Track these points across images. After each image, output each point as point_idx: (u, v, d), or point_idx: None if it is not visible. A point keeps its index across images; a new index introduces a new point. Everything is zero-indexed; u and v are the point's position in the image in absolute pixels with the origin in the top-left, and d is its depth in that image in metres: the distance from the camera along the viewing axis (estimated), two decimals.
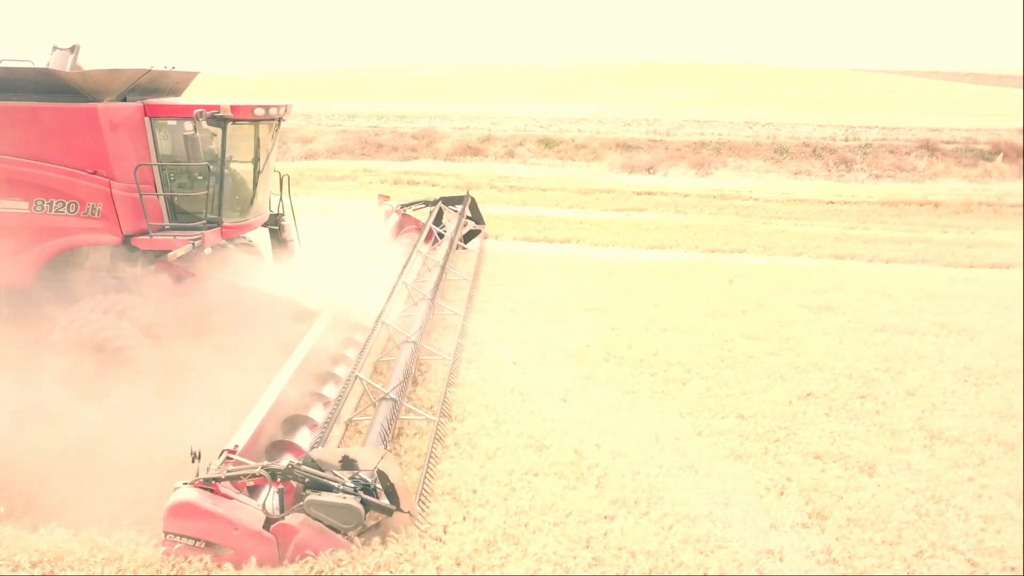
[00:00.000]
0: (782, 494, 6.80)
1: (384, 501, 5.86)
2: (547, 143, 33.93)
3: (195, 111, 9.14)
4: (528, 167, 30.17)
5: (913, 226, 18.97)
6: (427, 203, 15.47)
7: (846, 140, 35.85)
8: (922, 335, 10.70)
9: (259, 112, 9.73)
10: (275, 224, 11.49)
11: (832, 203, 22.20)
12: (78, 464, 7.25)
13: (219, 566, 5.54)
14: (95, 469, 7.13)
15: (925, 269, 14.97)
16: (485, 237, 16.06)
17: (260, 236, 11.72)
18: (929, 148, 33.78)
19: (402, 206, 14.99)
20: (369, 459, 5.99)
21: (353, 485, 5.75)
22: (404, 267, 11.05)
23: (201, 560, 5.55)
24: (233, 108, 9.31)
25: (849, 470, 7.22)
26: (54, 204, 9.26)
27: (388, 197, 15.41)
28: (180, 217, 9.77)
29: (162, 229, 9.59)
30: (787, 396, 8.68)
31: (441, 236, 14.05)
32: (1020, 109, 63.94)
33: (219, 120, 9.32)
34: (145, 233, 9.43)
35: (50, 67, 9.34)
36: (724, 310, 11.46)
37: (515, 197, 22.32)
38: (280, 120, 10.43)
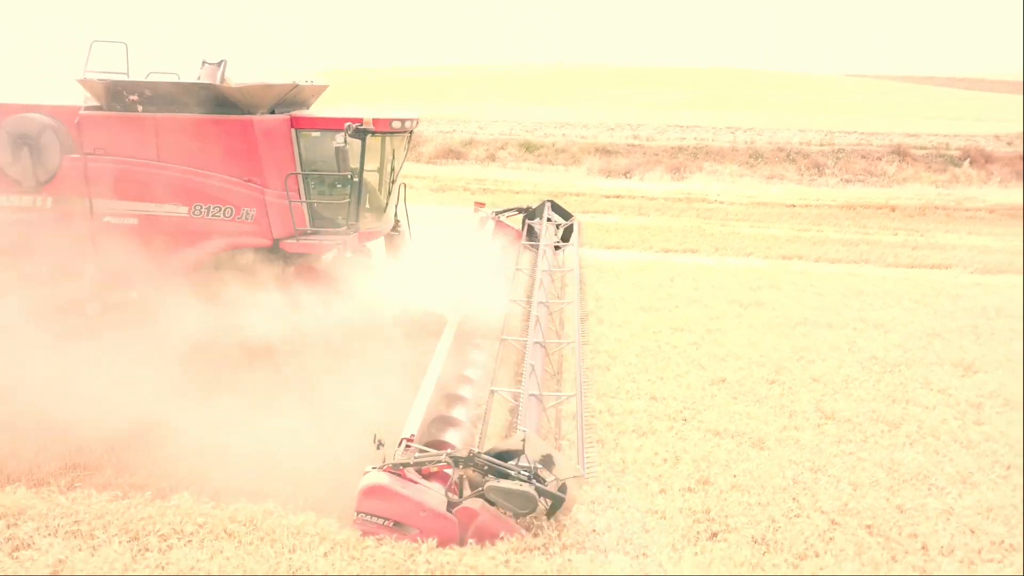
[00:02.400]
0: (676, 463, 7.60)
1: (554, 492, 6.44)
2: (528, 147, 34.75)
3: (345, 123, 9.70)
4: (507, 171, 30.94)
5: (865, 229, 19.77)
6: (520, 210, 15.90)
7: (821, 145, 36.71)
8: (840, 328, 11.50)
9: (396, 125, 10.16)
10: (393, 231, 11.82)
11: (794, 206, 23.01)
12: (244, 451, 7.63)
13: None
14: (267, 459, 7.58)
15: (865, 269, 15.76)
16: (580, 232, 16.26)
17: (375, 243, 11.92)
18: (900, 153, 34.62)
19: (496, 213, 15.41)
20: (537, 449, 6.55)
21: (527, 474, 6.36)
22: (515, 272, 11.92)
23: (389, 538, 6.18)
24: (375, 121, 9.79)
25: (742, 444, 8.00)
26: (211, 209, 9.77)
27: (484, 204, 15.91)
28: (320, 223, 10.23)
29: (304, 234, 10.11)
30: (701, 381, 9.47)
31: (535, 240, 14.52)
32: (1005, 114, 64.89)
33: (361, 132, 9.78)
34: (292, 237, 9.95)
35: (209, 82, 9.80)
36: (658, 305, 12.25)
37: (487, 199, 23.08)
38: (411, 132, 10.89)
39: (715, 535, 6.52)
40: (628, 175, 30.95)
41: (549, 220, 15.51)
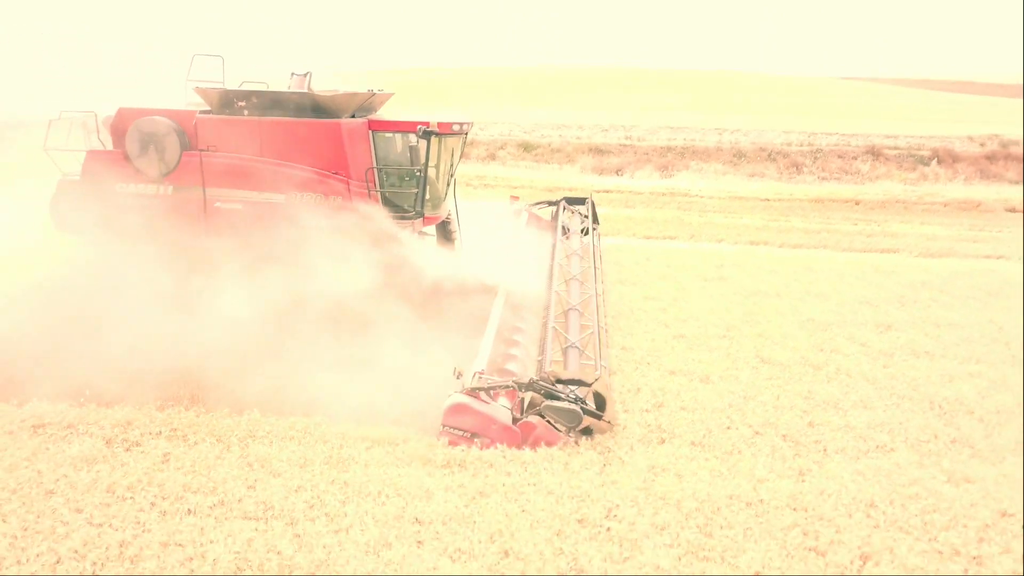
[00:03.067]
0: (638, 393, 9.49)
1: (594, 410, 8.32)
2: (526, 147, 36.65)
3: (418, 126, 11.31)
4: (506, 168, 32.85)
5: (829, 220, 21.70)
6: (550, 203, 17.69)
7: (801, 145, 38.65)
8: (786, 298, 13.43)
9: (455, 127, 11.72)
10: (447, 218, 13.30)
11: (768, 200, 24.94)
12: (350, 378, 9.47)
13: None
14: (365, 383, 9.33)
15: (821, 253, 17.70)
16: (599, 234, 17.34)
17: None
18: (874, 153, 36.57)
19: (530, 205, 17.20)
20: (587, 377, 8.58)
21: (575, 397, 8.28)
22: (553, 253, 13.42)
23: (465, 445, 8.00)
24: (439, 124, 11.37)
25: (691, 380, 9.90)
26: (304, 197, 11.30)
27: (518, 198, 17.57)
28: (391, 209, 11.68)
29: None
30: (664, 336, 11.38)
31: (566, 230, 15.77)
32: (984, 116, 66.74)
33: (428, 133, 11.34)
34: None
35: (306, 91, 11.39)
36: (634, 280, 14.17)
37: (487, 193, 25.01)
38: (466, 134, 12.49)
39: (663, 440, 8.42)
40: (619, 172, 32.85)
41: (574, 211, 17.19)
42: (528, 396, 8.49)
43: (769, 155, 36.02)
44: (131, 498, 7.00)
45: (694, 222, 20.63)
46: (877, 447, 8.42)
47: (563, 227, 15.61)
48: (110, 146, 11.81)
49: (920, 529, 6.84)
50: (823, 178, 33.18)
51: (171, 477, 7.34)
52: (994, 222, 22.35)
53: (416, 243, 12.07)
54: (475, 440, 8.12)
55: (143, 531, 6.53)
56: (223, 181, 11.42)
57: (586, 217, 17.16)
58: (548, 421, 8.20)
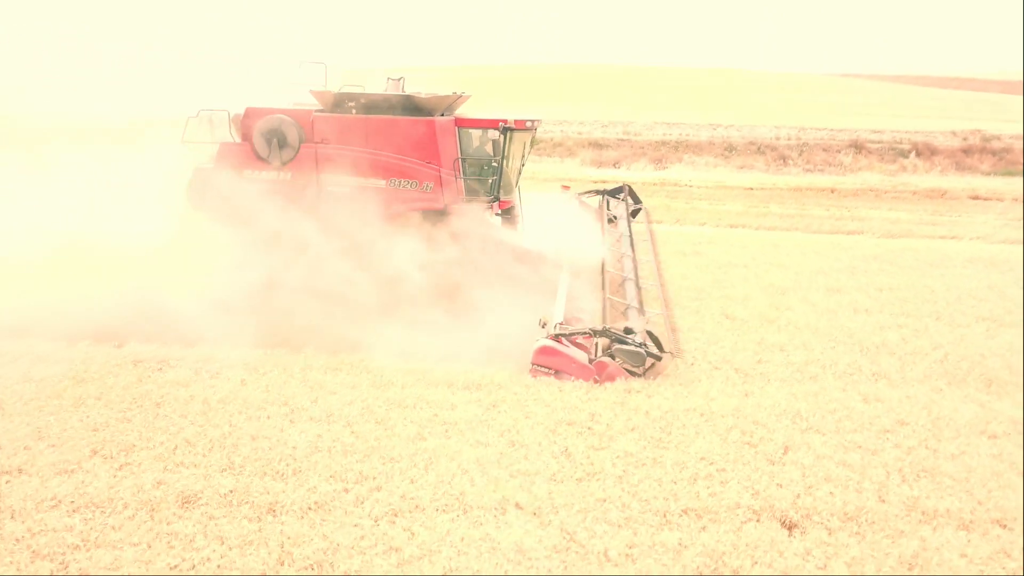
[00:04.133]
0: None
1: (654, 350, 10.00)
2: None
3: (499, 123, 13.02)
4: None
5: (804, 206, 23.58)
6: (597, 192, 18.85)
7: (789, 140, 40.48)
8: (751, 268, 15.35)
9: (528, 124, 13.42)
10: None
11: (751, 189, 26.80)
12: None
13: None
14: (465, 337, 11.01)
15: (791, 234, 19.58)
16: (649, 217, 19.25)
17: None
18: (856, 146, 38.39)
19: (580, 194, 18.51)
20: (640, 326, 10.43)
21: (639, 341, 9.96)
22: (604, 234, 15.08)
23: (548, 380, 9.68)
24: (516, 122, 13.10)
25: (662, 331, 11.81)
26: (402, 183, 13.15)
27: (569, 187, 18.87)
28: (471, 194, 13.38)
29: (462, 201, 13.24)
30: (645, 298, 13.28)
31: (615, 217, 17.14)
32: (973, 112, 68.35)
33: (507, 129, 13.08)
34: (456, 203, 13.15)
35: (406, 94, 13.24)
36: None
37: None
38: (535, 130, 14.12)
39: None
40: (616, 165, 34.73)
41: (621, 198, 18.37)
42: (601, 341, 10.27)
43: (758, 149, 37.86)
44: (222, 408, 8.95)
45: (680, 208, 22.53)
46: (810, 377, 10.31)
47: (611, 213, 17.09)
48: (238, 140, 13.66)
49: (833, 431, 8.74)
50: (808, 170, 34.97)
51: (251, 394, 9.29)
52: (956, 209, 24.20)
53: (497, 223, 13.93)
54: (558, 376, 9.80)
55: (235, 429, 8.46)
56: (334, 169, 13.28)
57: (633, 204, 18.54)
58: (617, 361, 9.90)
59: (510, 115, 13.35)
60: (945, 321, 12.57)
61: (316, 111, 13.53)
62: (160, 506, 6.96)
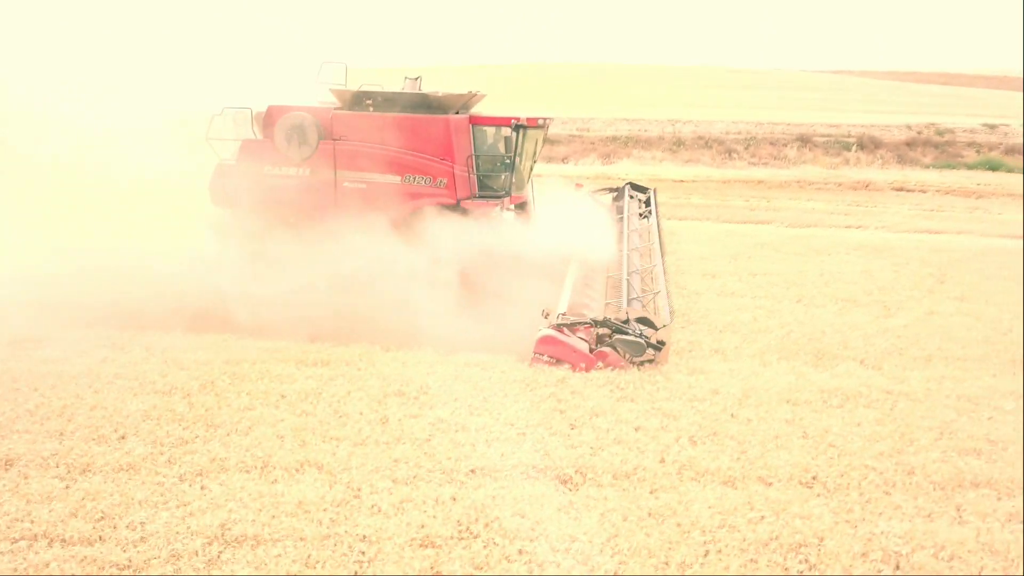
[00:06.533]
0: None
1: (656, 344, 9.96)
2: None
3: (512, 120, 13.21)
4: None
5: (726, 196, 24.09)
6: (611, 189, 19.26)
7: (739, 134, 40.99)
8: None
9: (540, 122, 13.61)
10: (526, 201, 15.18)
11: (682, 181, 27.28)
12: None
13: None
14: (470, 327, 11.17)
15: (702, 224, 20.08)
16: (659, 216, 18.51)
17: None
18: (803, 140, 38.91)
19: (593, 191, 18.79)
20: (656, 322, 10.36)
21: (640, 332, 10.00)
22: (618, 229, 15.26)
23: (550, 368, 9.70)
24: (527, 120, 13.30)
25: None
26: (416, 178, 13.27)
27: (582, 185, 19.16)
28: (485, 190, 13.60)
29: (475, 197, 13.51)
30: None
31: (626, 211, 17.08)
32: (946, 107, 68.95)
33: (519, 127, 13.26)
34: (469, 198, 13.35)
35: (421, 92, 13.49)
36: None
37: None
38: (546, 128, 14.32)
39: None
40: (564, 160, 35.21)
41: (632, 197, 18.71)
42: (601, 331, 10.31)
43: (706, 143, 38.34)
44: (74, 382, 9.40)
45: None
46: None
47: (624, 209, 17.24)
48: (260, 137, 13.95)
49: (646, 399, 9.19)
50: (752, 163, 35.53)
51: (106, 369, 9.76)
52: (877, 200, 24.72)
53: (506, 219, 14.08)
54: (558, 364, 9.84)
55: (78, 400, 8.90)
56: (351, 165, 13.52)
57: (644, 202, 18.84)
58: (618, 351, 9.94)
59: (522, 113, 13.58)
60: (805, 303, 13.08)
61: (335, 109, 13.79)
62: None
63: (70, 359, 10.12)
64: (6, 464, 7.51)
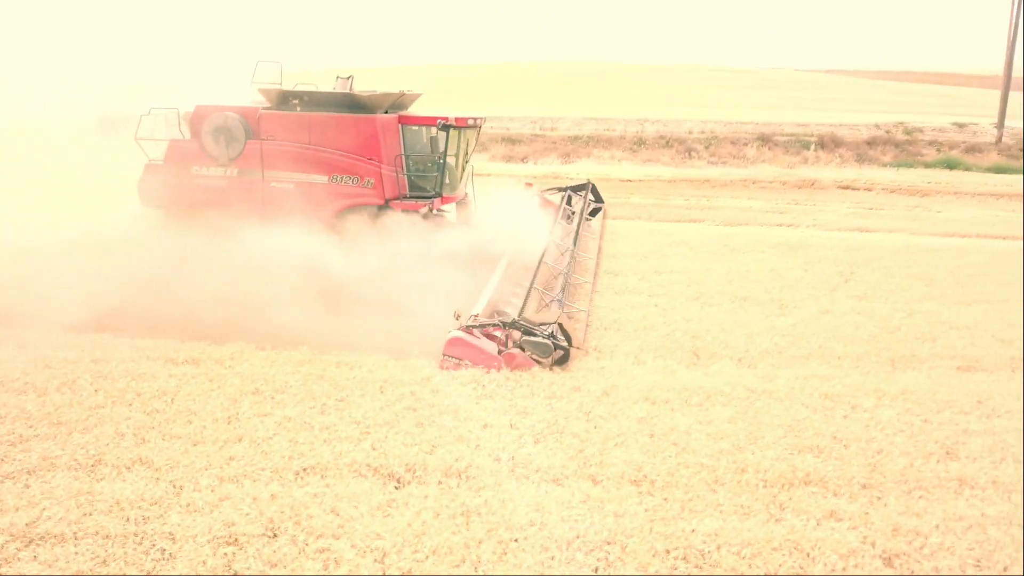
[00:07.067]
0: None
1: (562, 342, 9.83)
2: None
3: (438, 120, 13.20)
4: None
5: (666, 195, 24.11)
6: (560, 189, 19.36)
7: (702, 133, 41.00)
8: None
9: (470, 122, 13.65)
10: (463, 200, 15.27)
11: (628, 181, 27.30)
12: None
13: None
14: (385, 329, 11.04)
15: (630, 222, 20.08)
16: (605, 214, 19.68)
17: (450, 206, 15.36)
18: (764, 139, 38.92)
19: (543, 191, 18.77)
20: (552, 318, 10.23)
21: (548, 333, 9.81)
22: (551, 229, 15.05)
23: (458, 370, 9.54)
24: (456, 119, 13.34)
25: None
26: (343, 178, 13.33)
27: (532, 184, 19.12)
28: (415, 190, 13.70)
29: (404, 197, 13.64)
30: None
31: (573, 213, 17.39)
32: (925, 105, 68.98)
33: (447, 127, 13.24)
34: (397, 199, 13.47)
35: (348, 92, 13.43)
36: None
37: None
38: (479, 128, 14.41)
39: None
40: (524, 160, 35.19)
41: (580, 196, 18.78)
42: (511, 333, 10.18)
43: (667, 142, 38.35)
44: None
45: None
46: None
47: (567, 209, 17.36)
48: (188, 136, 13.94)
49: (505, 397, 9.18)
50: (712, 162, 35.53)
51: None
52: (815, 198, 24.76)
53: (432, 220, 13.99)
54: (466, 366, 9.67)
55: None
56: (279, 165, 13.58)
57: (592, 201, 19.09)
58: (527, 352, 9.86)
59: (452, 113, 13.56)
60: (701, 301, 13.07)
61: (263, 108, 13.75)
62: None
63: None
64: None
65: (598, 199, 19.92)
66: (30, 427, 8.23)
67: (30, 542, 6.39)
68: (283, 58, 14.52)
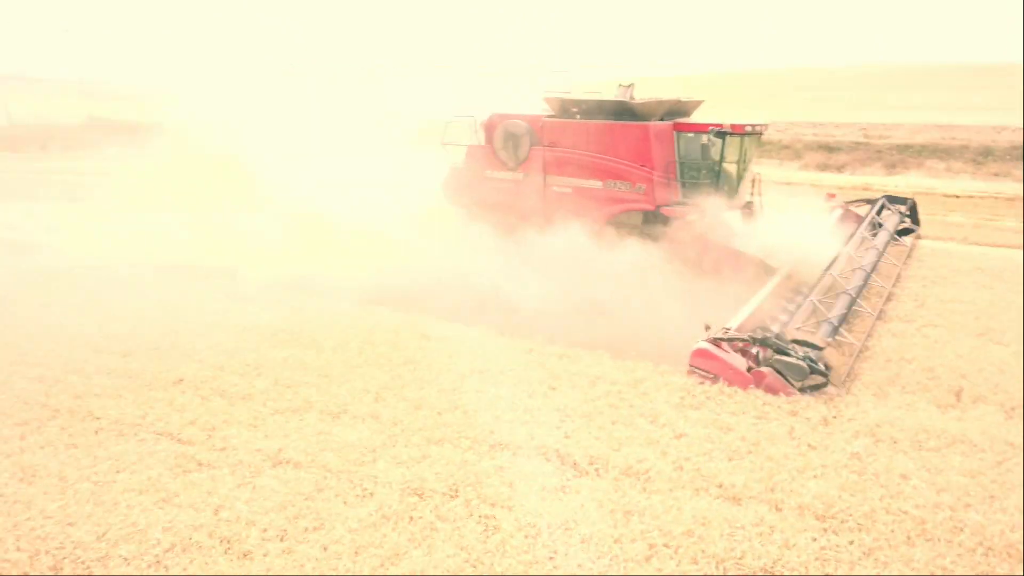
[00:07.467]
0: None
1: (822, 369, 8.93)
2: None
3: (709, 128, 13.05)
4: None
5: (997, 214, 20.82)
6: (868, 201, 17.55)
7: None
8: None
9: (748, 128, 13.21)
10: (747, 208, 14.59)
11: (957, 197, 23.96)
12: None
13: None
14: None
15: (940, 243, 17.59)
16: (919, 237, 17.38)
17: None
18: None
19: (846, 203, 17.25)
20: (818, 342, 9.32)
21: (804, 356, 8.97)
22: (848, 242, 13.72)
23: (707, 384, 9.11)
24: (732, 126, 13.01)
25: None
26: (616, 184, 13.69)
27: (835, 195, 17.89)
28: (687, 196, 13.56)
29: (676, 203, 13.61)
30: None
31: (880, 226, 15.68)
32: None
33: (721, 134, 12.97)
34: (668, 205, 13.52)
35: (623, 100, 13.81)
36: None
37: None
38: (760, 134, 13.86)
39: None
40: (841, 169, 32.64)
41: (893, 210, 17.09)
42: (763, 351, 9.43)
43: None
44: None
45: None
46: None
47: (874, 223, 15.66)
48: (483, 142, 15.35)
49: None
50: None
51: None
52: None
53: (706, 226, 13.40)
54: (715, 380, 9.15)
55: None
56: (558, 170, 14.53)
57: (908, 217, 17.24)
58: (779, 372, 9.01)
59: (739, 120, 13.27)
60: (986, 338, 11.16)
61: (546, 117, 14.68)
62: None
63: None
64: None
65: (914, 221, 17.59)
66: (304, 376, 10.00)
67: (277, 463, 7.87)
68: (573, 66, 15.32)
